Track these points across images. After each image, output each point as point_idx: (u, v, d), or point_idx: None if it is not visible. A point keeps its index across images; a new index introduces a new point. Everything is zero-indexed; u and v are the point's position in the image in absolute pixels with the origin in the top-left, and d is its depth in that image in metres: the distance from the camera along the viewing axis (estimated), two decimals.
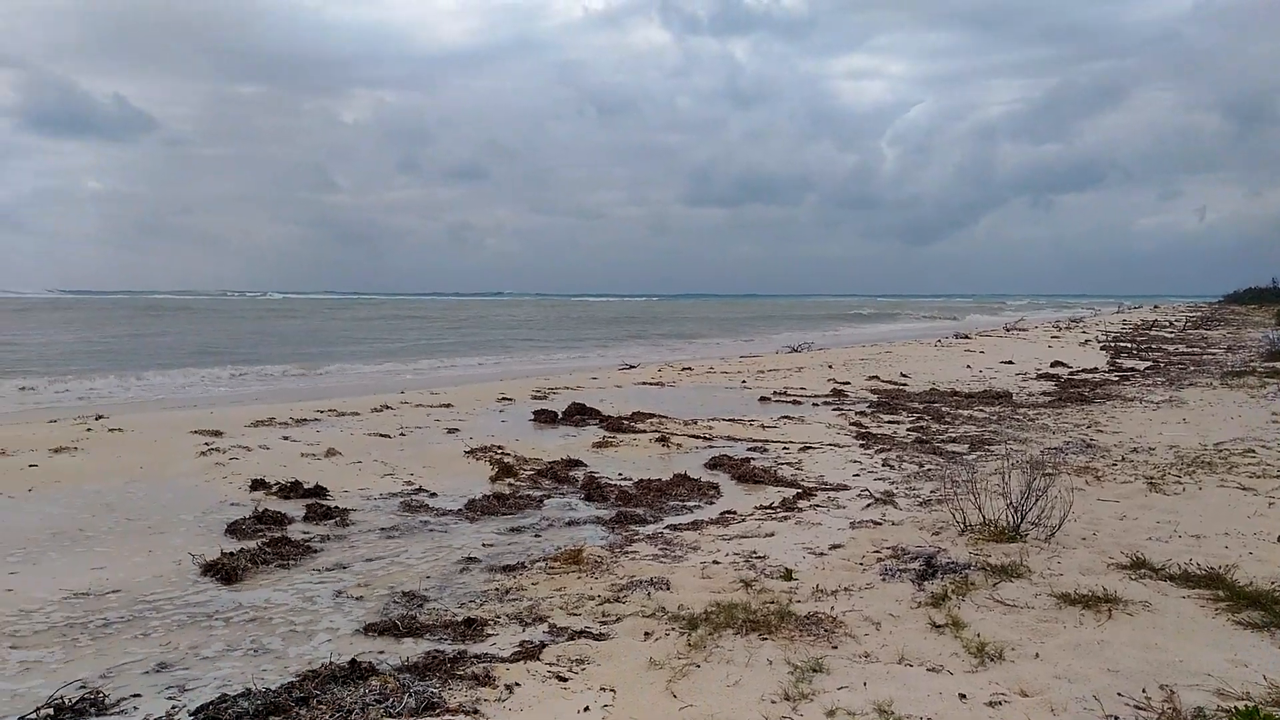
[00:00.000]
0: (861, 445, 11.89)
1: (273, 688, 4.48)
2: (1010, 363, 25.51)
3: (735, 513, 8.27)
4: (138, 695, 4.56)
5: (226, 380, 23.99)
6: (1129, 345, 33.40)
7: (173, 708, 4.43)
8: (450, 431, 12.95)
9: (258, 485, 9.05)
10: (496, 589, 6.13)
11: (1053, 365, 24.40)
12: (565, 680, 4.57)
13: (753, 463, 10.50)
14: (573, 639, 5.12)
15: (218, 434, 11.91)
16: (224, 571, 6.35)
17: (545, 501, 8.86)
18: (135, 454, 10.63)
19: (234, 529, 7.55)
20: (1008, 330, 46.96)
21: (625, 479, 9.78)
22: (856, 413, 15.10)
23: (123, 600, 5.93)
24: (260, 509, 7.99)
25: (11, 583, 6.22)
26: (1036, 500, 7.01)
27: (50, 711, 4.31)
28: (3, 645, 5.18)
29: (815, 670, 4.54)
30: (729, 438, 12.63)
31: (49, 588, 6.12)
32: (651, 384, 20.36)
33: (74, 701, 4.38)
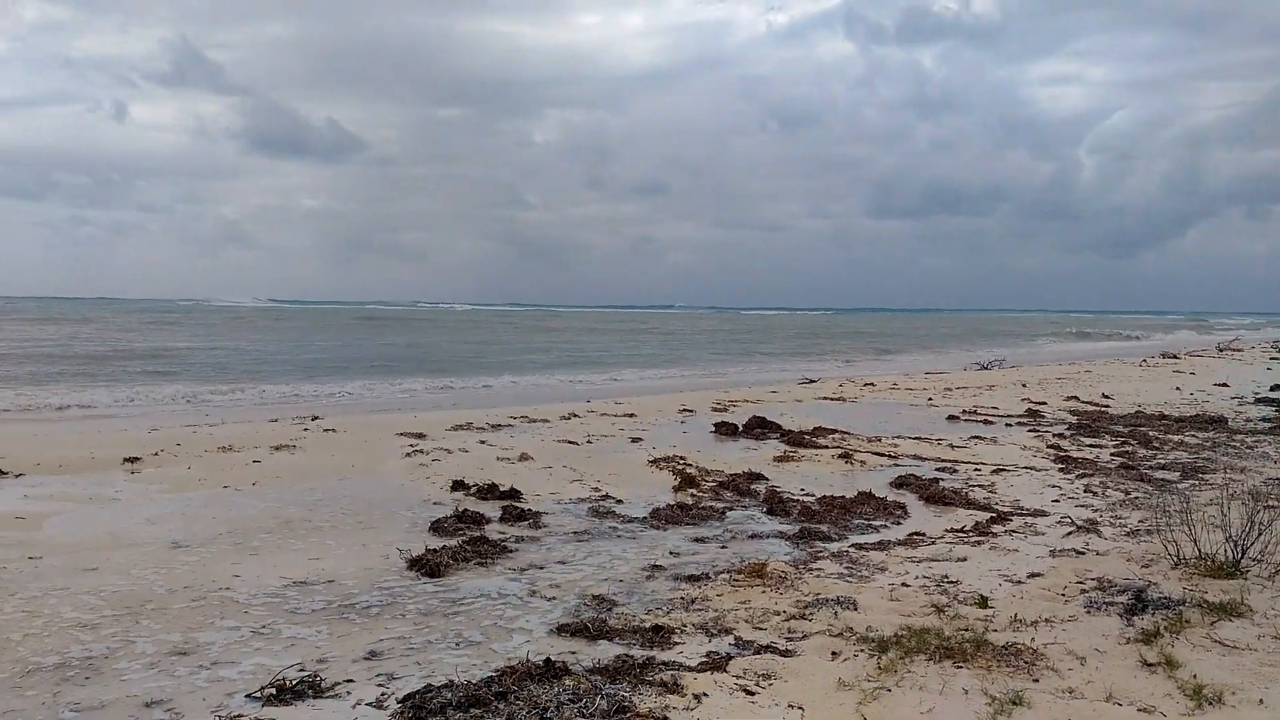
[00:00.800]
0: (1060, 469, 11.32)
1: (473, 681, 4.70)
2: (1225, 385, 23.63)
3: (924, 534, 8.06)
4: (350, 681, 4.87)
5: (427, 386, 25.32)
6: None
7: (382, 694, 4.72)
8: (634, 441, 13.21)
9: (458, 486, 9.54)
10: (682, 598, 6.22)
11: (1273, 389, 22.40)
12: (752, 694, 4.59)
13: (942, 483, 10.19)
14: (759, 653, 5.13)
15: (421, 436, 12.62)
16: (428, 567, 6.73)
17: (728, 513, 8.90)
18: (347, 453, 11.41)
19: (437, 527, 7.99)
20: (1220, 350, 43.41)
21: (808, 494, 9.70)
22: (1054, 434, 14.38)
23: (335, 590, 6.38)
24: (460, 509, 8.41)
25: (237, 570, 6.80)
26: (1259, 535, 6.49)
27: (273, 691, 4.68)
28: (231, 627, 5.68)
29: (1015, 703, 4.38)
30: (915, 456, 12.30)
31: (271, 576, 6.66)
32: (833, 399, 20.06)
33: (294, 683, 4.74)
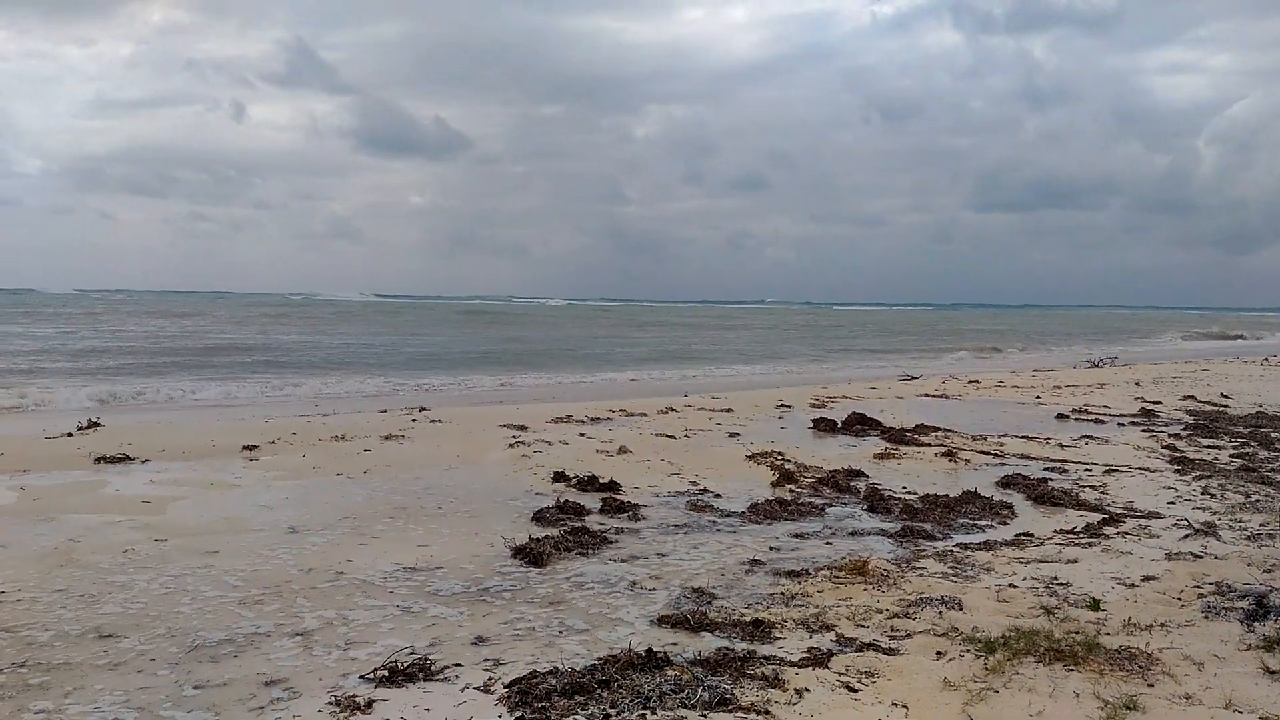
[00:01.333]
0: (1176, 471, 10.88)
1: (577, 668, 4.80)
2: None
3: (1032, 535, 7.86)
4: (459, 665, 5.01)
5: (528, 379, 25.75)
6: None
7: (489, 679, 4.84)
8: (731, 435, 13.21)
9: (559, 477, 9.70)
10: (782, 593, 6.21)
11: None
12: (855, 691, 4.56)
13: (1050, 483, 9.92)
14: (861, 650, 5.09)
15: (523, 428, 12.86)
16: (532, 555, 6.87)
17: (827, 510, 8.84)
18: (453, 444, 11.72)
19: (539, 516, 8.14)
20: None
21: (909, 492, 9.56)
22: (1169, 435, 13.83)
23: (445, 576, 6.57)
24: (562, 499, 8.56)
25: (350, 555, 7.05)
26: None
27: (385, 673, 4.84)
28: (343, 611, 5.90)
29: (1129, 708, 4.26)
30: (1022, 456, 11.98)
31: (382, 561, 6.89)
32: (935, 396, 19.67)
33: (405, 665, 4.90)
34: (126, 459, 10.59)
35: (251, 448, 11.27)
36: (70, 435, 12.33)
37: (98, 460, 10.47)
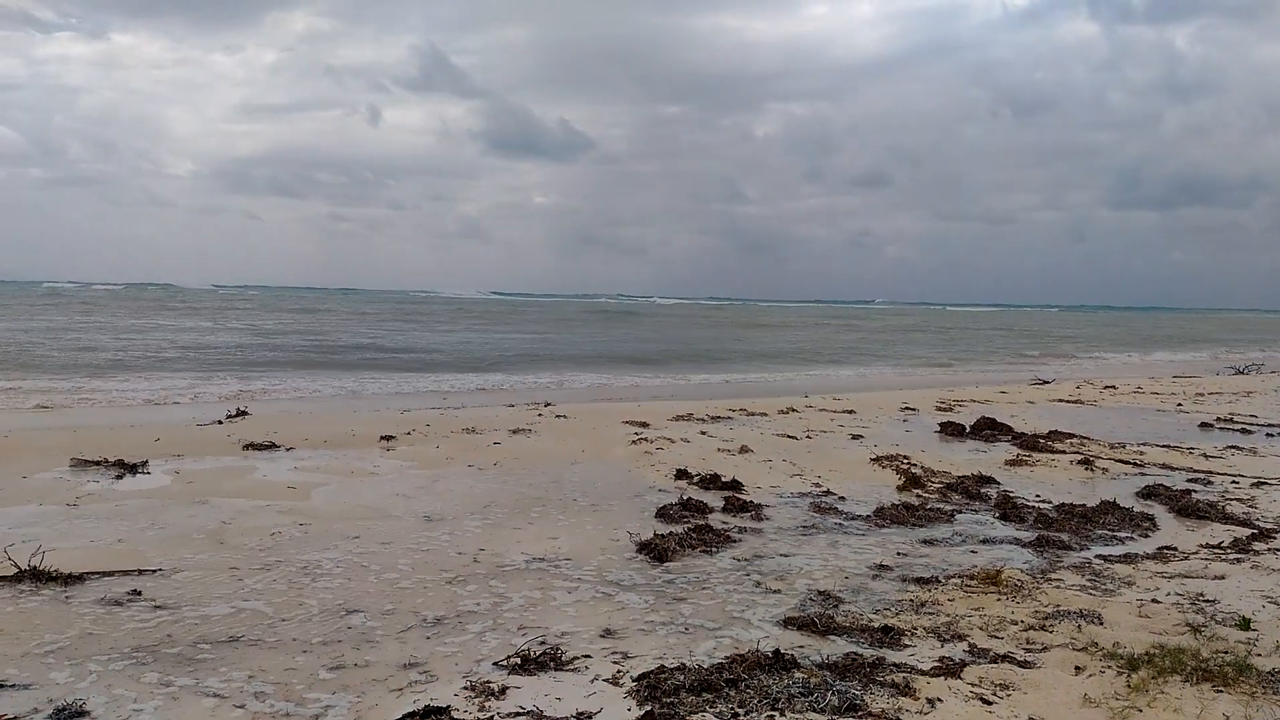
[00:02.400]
0: None
1: (704, 666, 4.85)
2: None
3: (1175, 549, 7.53)
4: (588, 656, 5.11)
5: (648, 374, 25.97)
6: None
7: (618, 671, 4.93)
8: (854, 437, 13.04)
9: (681, 475, 9.78)
10: (911, 600, 6.12)
11: None
12: (989, 704, 4.48)
13: (1194, 495, 9.46)
14: (995, 662, 4.99)
15: (644, 425, 13.01)
16: (656, 551, 6.96)
17: (956, 516, 8.65)
18: (578, 439, 11.95)
19: (662, 513, 8.23)
20: None
21: (1043, 501, 9.27)
22: None
23: (572, 567, 6.72)
24: (685, 497, 8.63)
25: (482, 544, 7.28)
26: None
27: (518, 660, 4.99)
28: (478, 599, 6.10)
29: None
30: (1164, 465, 11.46)
31: (514, 551, 7.08)
32: (1069, 401, 18.97)
33: (537, 655, 5.03)
34: (273, 446, 11.16)
35: (388, 438, 11.73)
36: (220, 423, 13.07)
37: (246, 447, 11.07)
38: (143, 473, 9.64)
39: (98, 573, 6.20)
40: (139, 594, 5.90)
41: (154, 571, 6.35)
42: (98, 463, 9.78)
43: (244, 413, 14.04)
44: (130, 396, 18.47)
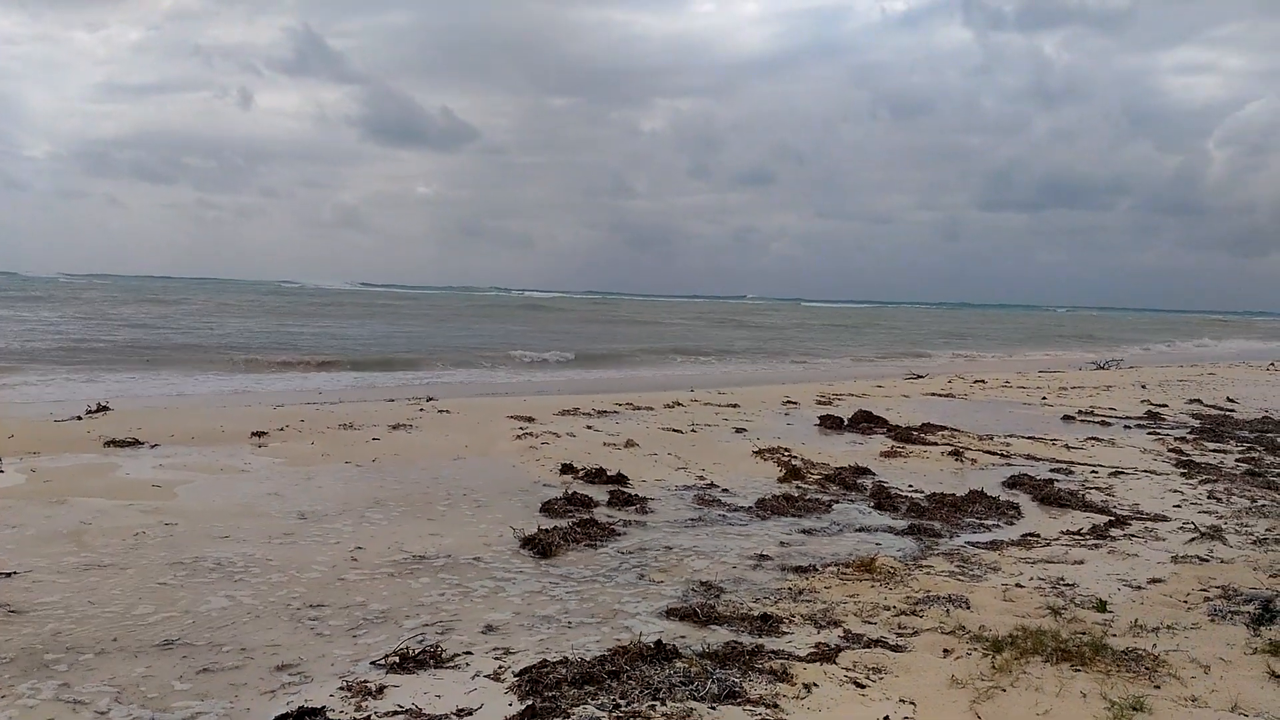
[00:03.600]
0: (1182, 474, 10.90)
1: (587, 658, 4.83)
2: None
3: (1038, 536, 7.89)
4: (469, 653, 5.05)
5: (533, 370, 25.78)
6: None
7: (499, 667, 4.88)
8: (738, 431, 13.23)
9: (566, 469, 9.73)
10: (789, 588, 6.24)
11: None
12: (863, 687, 4.59)
13: (1057, 484, 9.93)
14: (869, 646, 5.12)
15: (530, 419, 12.90)
16: (540, 546, 6.91)
17: (834, 506, 8.86)
18: (461, 434, 11.75)
19: (547, 508, 8.17)
20: None
21: (916, 491, 9.58)
22: (1175, 438, 13.83)
23: (454, 565, 6.60)
24: (570, 491, 8.59)
25: (359, 541, 7.09)
26: None
27: (396, 659, 4.88)
28: (353, 598, 5.94)
29: (1135, 709, 4.28)
30: (1029, 456, 12.00)
31: (393, 550, 6.92)
32: (941, 395, 19.68)
33: (416, 652, 4.94)
34: (136, 443, 10.64)
35: (260, 434, 11.31)
36: (79, 419, 12.38)
37: (108, 444, 10.52)
38: None
39: None
40: None
41: (7, 576, 5.97)
42: None
43: (105, 408, 13.34)
44: None
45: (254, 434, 11.28)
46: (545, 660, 4.83)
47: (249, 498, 8.38)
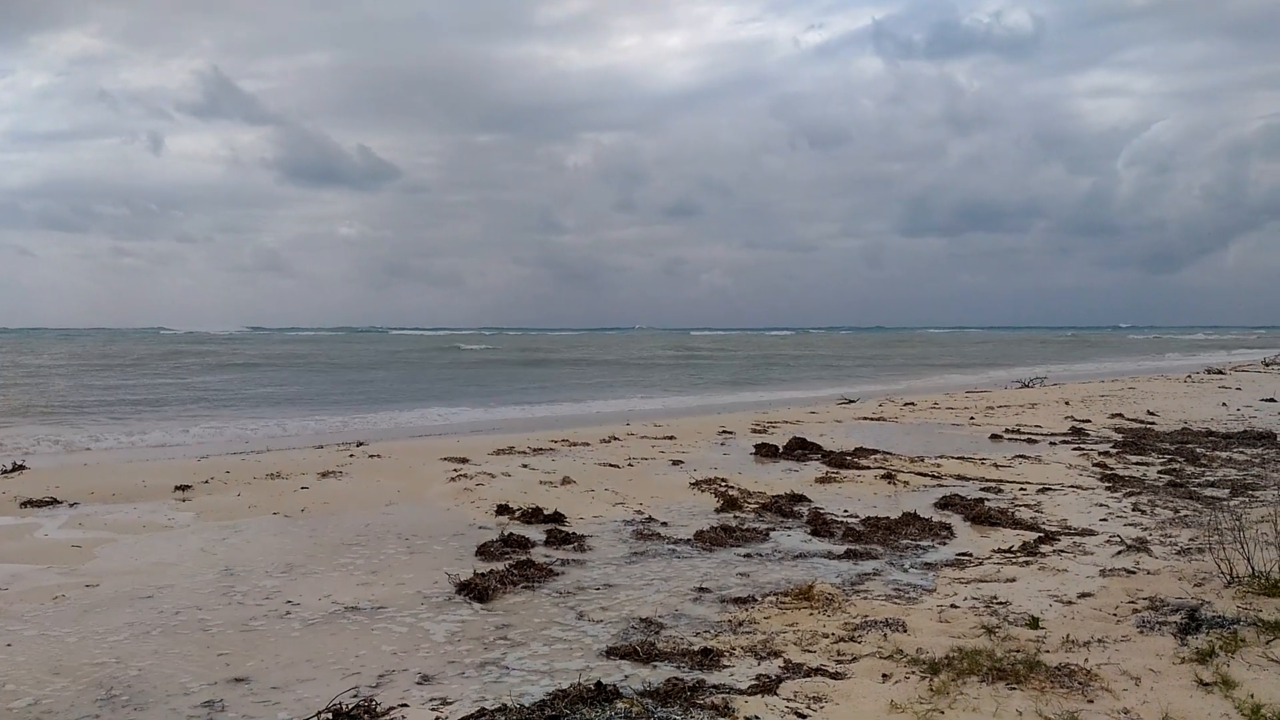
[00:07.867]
0: (1107, 488, 11.18)
1: (526, 704, 4.75)
2: (1272, 400, 23.22)
3: (971, 555, 8.01)
4: (405, 705, 4.92)
5: (465, 411, 25.51)
6: None
7: (437, 718, 4.78)
8: (675, 463, 13.24)
9: (502, 510, 9.62)
10: (729, 620, 6.23)
11: None
12: (804, 717, 4.59)
13: (987, 503, 10.11)
14: (809, 675, 5.13)
15: (464, 461, 12.74)
16: (477, 591, 6.79)
17: (771, 534, 8.90)
18: (393, 479, 11.54)
19: (483, 550, 8.05)
20: (1267, 365, 42.71)
21: (851, 516, 9.67)
22: (1100, 453, 14.21)
23: (387, 615, 6.45)
24: (506, 533, 8.47)
25: (289, 596, 6.89)
26: None
27: (329, 716, 4.73)
28: (284, 655, 5.77)
29: None
30: (959, 477, 12.21)
31: (323, 602, 6.74)
32: (872, 419, 19.97)
33: (350, 708, 4.79)
34: (54, 502, 10.25)
35: (184, 488, 10.99)
36: None
37: (24, 504, 10.12)
38: None
39: None
40: None
41: None
42: None
43: (21, 466, 12.86)
44: None
45: (177, 488, 10.96)
46: (483, 709, 4.74)
47: (173, 555, 8.12)
